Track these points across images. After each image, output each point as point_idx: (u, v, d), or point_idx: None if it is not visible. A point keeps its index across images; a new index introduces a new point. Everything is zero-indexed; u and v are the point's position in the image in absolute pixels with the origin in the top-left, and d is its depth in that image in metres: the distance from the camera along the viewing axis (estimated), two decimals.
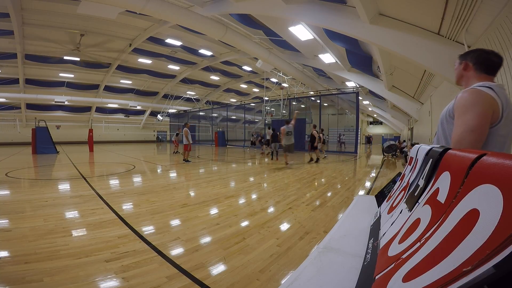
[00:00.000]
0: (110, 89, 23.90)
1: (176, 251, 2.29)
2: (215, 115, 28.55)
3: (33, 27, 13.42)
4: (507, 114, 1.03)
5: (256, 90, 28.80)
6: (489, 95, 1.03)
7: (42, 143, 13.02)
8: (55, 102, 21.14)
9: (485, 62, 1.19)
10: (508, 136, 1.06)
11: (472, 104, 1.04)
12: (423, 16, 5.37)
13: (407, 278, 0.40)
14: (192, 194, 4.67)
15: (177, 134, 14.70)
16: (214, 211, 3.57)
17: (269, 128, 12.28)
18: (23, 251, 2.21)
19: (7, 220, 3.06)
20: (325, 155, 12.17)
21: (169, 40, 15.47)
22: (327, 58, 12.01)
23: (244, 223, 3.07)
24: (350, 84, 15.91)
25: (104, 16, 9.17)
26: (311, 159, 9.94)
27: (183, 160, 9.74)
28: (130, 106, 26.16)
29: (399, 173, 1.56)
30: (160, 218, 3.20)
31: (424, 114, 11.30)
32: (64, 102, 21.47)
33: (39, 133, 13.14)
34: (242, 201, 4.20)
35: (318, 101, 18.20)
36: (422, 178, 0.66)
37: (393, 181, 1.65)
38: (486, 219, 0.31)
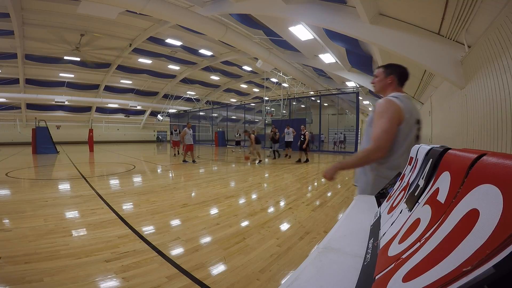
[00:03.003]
0: (110, 89, 23.90)
1: (176, 251, 2.29)
2: (215, 115, 28.56)
3: (33, 27, 13.42)
4: (408, 117, 1.36)
5: (256, 90, 28.79)
6: (397, 103, 1.36)
7: (42, 143, 13.03)
8: (55, 102, 21.14)
9: (405, 78, 1.51)
10: (409, 133, 1.38)
11: (385, 110, 1.36)
12: (423, 16, 5.36)
13: (407, 278, 0.40)
14: (192, 194, 4.66)
15: (171, 133, 13.65)
16: (214, 211, 3.57)
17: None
18: (23, 251, 2.21)
19: (7, 220, 3.06)
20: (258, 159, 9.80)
21: (169, 40, 15.46)
22: (327, 58, 12.01)
23: (244, 223, 3.07)
24: (350, 84, 15.91)
25: (104, 16, 9.17)
26: (299, 160, 10.03)
27: (183, 160, 9.75)
28: (130, 106, 26.17)
29: (399, 173, 1.56)
30: (160, 218, 3.20)
31: (424, 114, 11.28)
32: (64, 102, 21.48)
33: (39, 133, 13.15)
34: (242, 201, 4.20)
35: (318, 101, 18.20)
36: (422, 178, 0.66)
37: (393, 181, 1.65)
38: (486, 219, 0.31)
